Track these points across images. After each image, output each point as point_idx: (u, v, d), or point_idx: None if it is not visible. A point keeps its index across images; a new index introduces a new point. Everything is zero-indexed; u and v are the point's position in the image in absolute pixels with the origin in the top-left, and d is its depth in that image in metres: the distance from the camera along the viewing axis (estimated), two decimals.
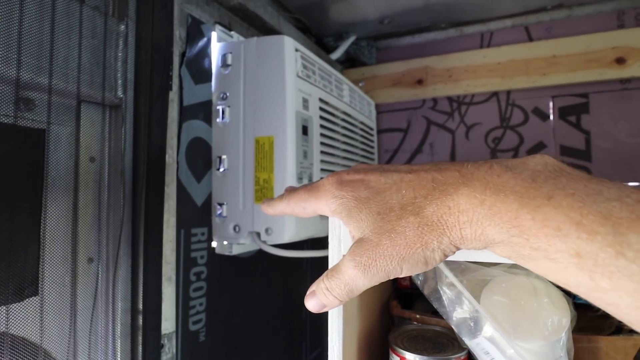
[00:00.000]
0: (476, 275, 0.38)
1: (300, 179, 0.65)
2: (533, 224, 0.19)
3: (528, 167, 0.21)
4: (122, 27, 0.49)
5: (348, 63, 1.20)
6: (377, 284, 0.24)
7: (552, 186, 0.19)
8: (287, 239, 0.62)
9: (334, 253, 0.34)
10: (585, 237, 0.17)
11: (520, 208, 0.19)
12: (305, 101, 0.68)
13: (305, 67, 0.69)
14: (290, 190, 0.30)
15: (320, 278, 0.26)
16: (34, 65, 0.41)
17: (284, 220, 0.62)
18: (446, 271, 0.36)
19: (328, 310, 0.28)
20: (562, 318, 0.34)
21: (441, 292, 0.37)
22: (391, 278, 0.23)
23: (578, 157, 0.94)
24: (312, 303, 0.26)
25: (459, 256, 0.27)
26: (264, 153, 0.64)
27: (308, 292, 0.27)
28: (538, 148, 0.98)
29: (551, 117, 0.97)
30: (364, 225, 0.24)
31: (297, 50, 0.66)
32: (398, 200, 0.23)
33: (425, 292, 0.38)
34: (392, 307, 0.48)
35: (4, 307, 0.40)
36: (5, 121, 0.40)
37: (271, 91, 0.64)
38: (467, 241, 0.22)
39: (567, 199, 0.18)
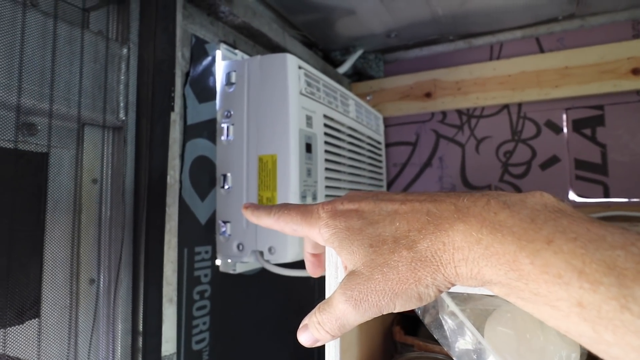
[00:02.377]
0: (479, 304, 0.36)
1: (303, 197, 0.64)
2: (532, 268, 0.18)
3: (527, 205, 0.20)
4: (125, 50, 0.50)
5: (356, 76, 1.20)
6: (369, 319, 0.23)
7: (553, 229, 0.18)
8: (289, 258, 0.62)
9: (331, 280, 0.33)
10: (587, 287, 0.16)
11: (519, 251, 0.18)
12: (309, 118, 0.67)
13: (309, 84, 0.69)
14: (282, 208, 0.28)
15: (313, 311, 0.25)
16: (36, 91, 0.41)
17: (286, 240, 0.61)
18: (447, 299, 0.35)
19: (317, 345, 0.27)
20: (571, 353, 0.32)
21: (442, 321, 0.36)
22: (384, 313, 0.23)
23: (594, 171, 0.91)
24: (305, 337, 0.25)
25: (458, 288, 0.26)
26: (267, 171, 0.64)
27: (301, 326, 0.26)
28: (551, 162, 0.95)
29: (565, 130, 0.95)
30: (355, 258, 0.23)
31: (300, 67, 0.66)
32: (391, 232, 0.22)
33: (426, 321, 0.36)
34: (395, 332, 0.46)
35: (3, 330, 0.40)
36: (8, 146, 0.41)
37: (274, 109, 0.64)
38: (462, 279, 0.21)
39: (569, 244, 0.17)
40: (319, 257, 0.34)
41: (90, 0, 0.49)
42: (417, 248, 0.21)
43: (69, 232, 0.47)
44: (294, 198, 0.62)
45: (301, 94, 0.66)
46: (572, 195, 0.92)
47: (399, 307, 0.22)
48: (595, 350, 0.18)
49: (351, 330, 0.38)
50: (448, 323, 0.35)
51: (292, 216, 0.27)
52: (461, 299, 0.36)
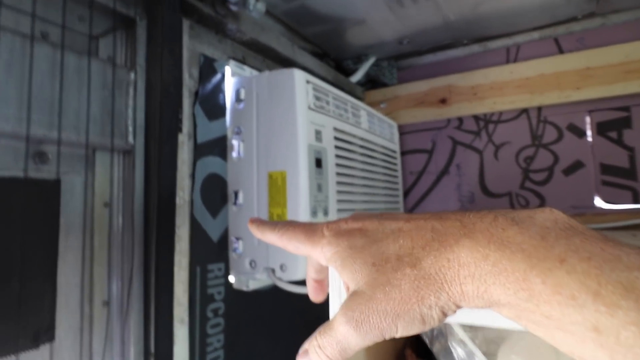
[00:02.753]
0: (491, 331, 0.34)
1: (314, 212, 0.64)
2: (544, 288, 0.17)
3: (536, 222, 0.19)
4: (132, 74, 0.51)
5: (369, 84, 1.18)
6: (371, 343, 0.22)
7: (565, 247, 0.17)
8: (301, 275, 0.61)
9: (335, 306, 0.33)
10: (604, 311, 0.15)
11: (529, 269, 0.17)
12: (318, 133, 0.67)
13: (317, 98, 0.68)
14: (287, 225, 0.28)
15: (314, 335, 0.24)
16: (46, 120, 0.42)
17: (297, 257, 0.61)
18: (457, 327, 0.33)
19: None
20: None
21: (451, 349, 0.34)
22: (387, 338, 0.21)
23: (622, 176, 0.87)
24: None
25: (466, 316, 0.25)
26: (277, 188, 0.63)
27: (301, 351, 0.25)
28: (575, 167, 0.91)
29: (589, 133, 0.91)
30: (358, 277, 0.22)
31: (308, 82, 0.66)
32: (395, 250, 0.22)
33: (434, 349, 0.35)
34: (407, 356, 0.45)
35: (16, 355, 0.41)
36: (20, 175, 0.42)
37: (283, 125, 0.64)
38: (468, 298, 0.20)
39: (582, 263, 0.16)
40: (322, 283, 0.33)
41: (99, 27, 0.51)
42: (421, 265, 0.20)
43: (82, 256, 0.48)
44: (304, 214, 0.61)
45: (310, 108, 0.65)
46: (599, 202, 0.88)
47: (401, 331, 0.21)
48: None
49: (362, 353, 0.37)
50: (457, 351, 0.33)
51: (295, 234, 0.27)
52: (472, 327, 0.34)
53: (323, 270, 0.31)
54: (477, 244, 0.19)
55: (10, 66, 0.39)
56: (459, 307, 0.21)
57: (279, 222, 0.29)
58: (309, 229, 0.26)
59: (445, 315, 0.21)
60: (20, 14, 0.42)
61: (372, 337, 0.21)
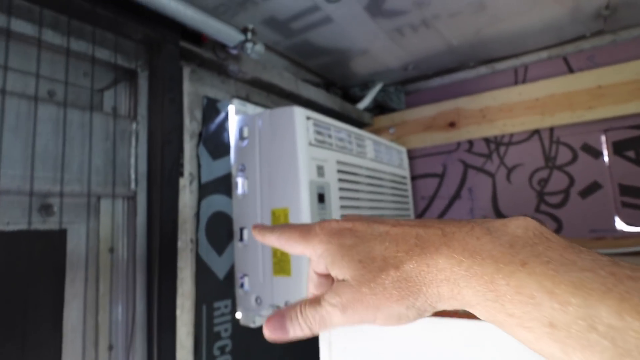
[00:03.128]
0: None
1: None
2: (508, 289, 0.19)
3: (508, 231, 0.21)
4: (134, 125, 0.53)
5: (377, 110, 1.19)
6: (350, 325, 0.25)
7: (529, 253, 0.19)
8: None
9: (324, 354, 0.32)
10: (558, 308, 0.17)
11: (496, 272, 0.19)
12: (320, 168, 0.67)
13: (319, 132, 0.69)
14: (284, 226, 0.31)
15: (294, 305, 0.26)
16: (51, 176, 0.45)
17: (302, 294, 0.61)
18: None
19: (283, 340, 0.26)
20: None
21: None
22: (364, 324, 0.24)
23: None
24: (273, 325, 0.26)
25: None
26: None
27: (272, 314, 0.27)
28: (592, 189, 0.88)
29: (605, 153, 0.88)
30: (345, 272, 0.25)
31: (308, 118, 0.67)
32: (381, 251, 0.24)
33: None
34: None
35: None
36: (25, 228, 0.44)
37: (284, 162, 0.64)
38: (444, 299, 0.22)
39: (541, 266, 0.18)
40: (327, 277, 0.33)
41: (104, 81, 0.53)
42: (403, 268, 0.23)
43: (87, 302, 0.49)
44: None
45: (310, 144, 0.66)
46: (620, 224, 0.84)
47: (379, 322, 0.24)
48: None
49: None
50: None
51: (291, 234, 0.29)
52: None
53: (322, 286, 0.32)
54: (454, 252, 0.21)
55: (17, 128, 0.42)
56: (435, 308, 0.23)
57: (277, 225, 0.32)
58: (303, 229, 0.29)
59: (420, 315, 0.23)
60: (27, 75, 0.45)
61: (353, 321, 0.24)
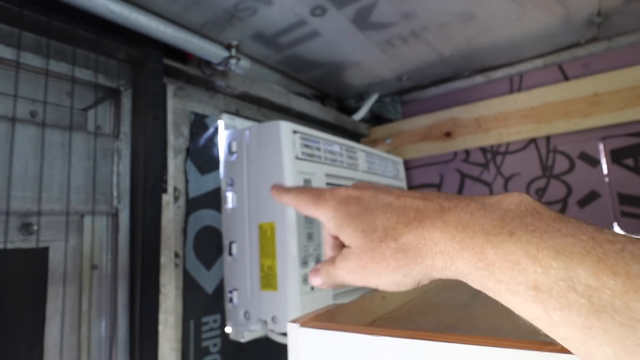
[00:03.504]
0: None
1: (305, 262, 0.63)
2: (496, 258, 0.20)
3: (502, 206, 0.22)
4: (117, 143, 0.54)
5: (374, 120, 1.19)
6: (359, 286, 0.28)
7: (517, 224, 0.20)
8: None
9: None
10: (540, 271, 0.18)
11: (485, 243, 0.21)
12: (307, 182, 0.67)
13: (307, 146, 0.69)
14: (301, 189, 0.33)
15: (326, 262, 0.30)
16: (32, 196, 0.45)
17: (287, 309, 0.60)
18: None
19: (324, 287, 0.31)
20: None
21: None
22: (369, 286, 0.27)
23: None
24: (313, 276, 0.31)
25: None
26: (267, 239, 0.64)
27: (313, 269, 0.31)
28: (590, 198, 0.86)
29: (603, 161, 0.86)
30: (350, 240, 0.27)
31: (295, 132, 0.67)
32: (382, 222, 0.26)
33: None
34: None
35: None
36: (8, 247, 0.45)
37: (270, 176, 0.64)
38: (438, 269, 0.23)
39: (527, 235, 0.19)
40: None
41: (88, 100, 0.54)
42: (402, 240, 0.24)
43: (70, 318, 0.49)
44: (292, 265, 0.61)
45: (297, 158, 0.66)
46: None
47: (381, 287, 0.26)
48: (550, 334, 0.19)
49: None
50: None
51: (306, 197, 0.32)
52: None
53: (337, 247, 0.34)
54: (448, 227, 0.23)
55: None
56: (430, 277, 0.24)
57: (295, 186, 0.35)
58: (316, 194, 0.31)
59: (417, 283, 0.25)
60: (8, 97, 0.46)
61: (359, 283, 0.27)
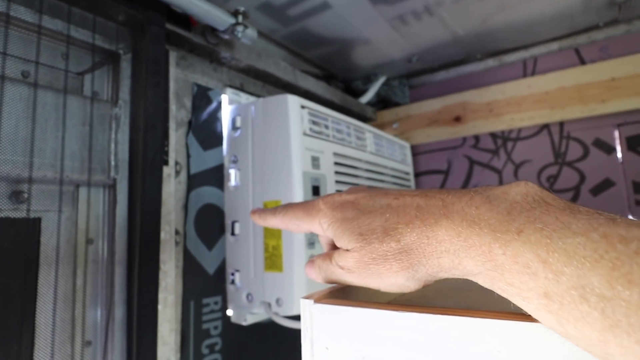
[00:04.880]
0: None
1: (311, 243, 0.60)
2: (505, 259, 0.19)
3: (508, 197, 0.20)
4: (116, 109, 0.50)
5: (381, 104, 1.15)
6: (358, 285, 0.27)
7: (525, 219, 0.19)
8: (296, 311, 0.57)
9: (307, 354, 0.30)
10: (551, 278, 0.17)
11: (493, 242, 0.19)
12: (315, 159, 0.64)
13: (315, 123, 0.66)
14: (286, 206, 0.31)
15: (324, 256, 0.28)
16: (23, 161, 0.42)
17: (293, 291, 0.57)
18: None
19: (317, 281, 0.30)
20: None
21: None
22: (369, 287, 0.26)
23: None
24: (308, 269, 0.29)
25: None
26: None
27: (309, 261, 0.30)
28: (604, 186, 0.83)
29: (618, 149, 0.83)
30: (349, 245, 0.25)
31: (303, 107, 0.64)
32: (381, 223, 0.24)
33: None
34: None
35: None
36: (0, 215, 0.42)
37: (277, 153, 0.61)
38: (445, 269, 0.22)
39: (536, 234, 0.18)
40: None
41: (85, 64, 0.51)
42: (404, 240, 0.23)
43: (64, 295, 0.47)
44: (299, 245, 0.58)
45: (305, 134, 0.63)
46: None
47: (383, 289, 0.25)
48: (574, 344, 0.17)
49: None
50: None
51: (295, 212, 0.29)
52: None
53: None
54: (453, 223, 0.21)
55: None
56: (436, 277, 0.23)
57: (278, 206, 0.32)
58: (306, 206, 0.29)
59: (422, 285, 0.24)
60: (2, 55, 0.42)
61: (359, 283, 0.26)
